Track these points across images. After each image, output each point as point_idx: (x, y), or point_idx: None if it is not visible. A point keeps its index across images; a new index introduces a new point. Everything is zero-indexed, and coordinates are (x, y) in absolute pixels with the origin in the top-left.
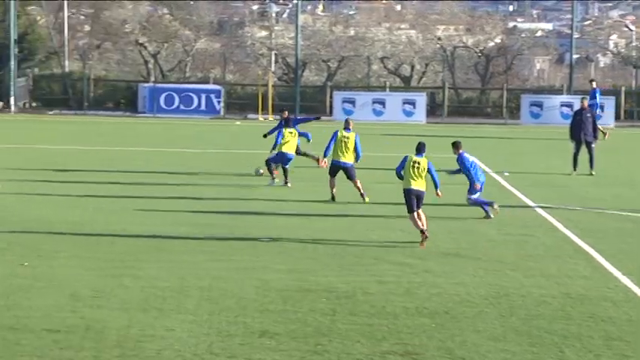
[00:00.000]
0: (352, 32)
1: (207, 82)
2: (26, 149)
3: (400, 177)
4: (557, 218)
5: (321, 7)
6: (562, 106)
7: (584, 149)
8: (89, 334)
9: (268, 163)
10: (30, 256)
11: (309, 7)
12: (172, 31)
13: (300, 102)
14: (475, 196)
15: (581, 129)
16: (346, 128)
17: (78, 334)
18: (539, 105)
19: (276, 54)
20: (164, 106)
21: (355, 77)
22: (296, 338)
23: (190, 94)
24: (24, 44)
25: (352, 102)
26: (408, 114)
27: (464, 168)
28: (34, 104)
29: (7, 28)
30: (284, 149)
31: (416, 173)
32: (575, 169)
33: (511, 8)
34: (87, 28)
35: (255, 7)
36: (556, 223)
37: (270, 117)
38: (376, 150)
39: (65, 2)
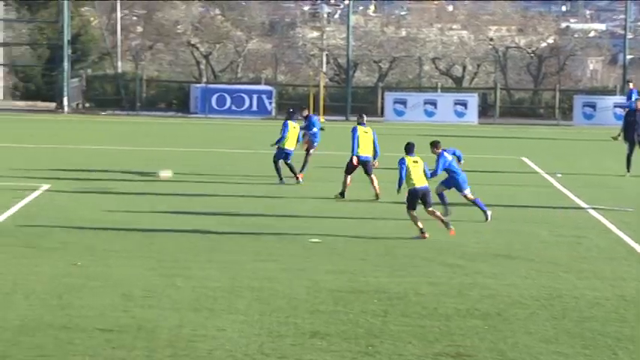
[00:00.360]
0: (404, 33)
1: (258, 83)
2: (79, 149)
3: (401, 183)
4: (610, 220)
5: (372, 7)
6: (615, 107)
7: (638, 150)
8: (141, 333)
9: (275, 161)
10: (83, 255)
11: (360, 8)
12: (224, 32)
13: (352, 103)
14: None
15: (635, 130)
16: (362, 123)
17: (130, 334)
18: (592, 106)
19: (327, 55)
20: (216, 107)
21: (406, 78)
22: (347, 339)
23: (242, 94)
24: (77, 45)
25: (403, 103)
26: (460, 115)
27: (444, 165)
28: (87, 105)
29: (60, 29)
30: (285, 145)
31: (418, 173)
32: (628, 171)
33: (564, 9)
34: (139, 29)
35: (306, 8)
36: (609, 224)
37: (322, 118)
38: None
39: (118, 3)
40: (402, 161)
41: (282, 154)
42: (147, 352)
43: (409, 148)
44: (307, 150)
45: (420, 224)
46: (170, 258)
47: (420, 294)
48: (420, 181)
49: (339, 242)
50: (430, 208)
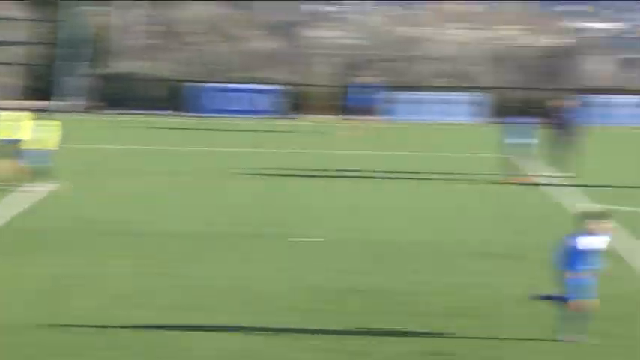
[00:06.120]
0: (413, 32)
1: (265, 83)
2: (86, 150)
3: None
4: None
5: (378, 7)
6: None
7: None
8: (131, 333)
9: None
10: (80, 255)
11: (371, 8)
12: (234, 32)
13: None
14: None
15: None
16: None
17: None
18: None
19: (334, 54)
20: (225, 107)
21: (415, 77)
22: (339, 337)
23: (248, 93)
24: (88, 44)
25: (413, 102)
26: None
27: None
28: (97, 104)
29: (74, 28)
30: None
31: None
32: None
33: (582, 8)
34: (149, 27)
35: (314, 7)
36: None
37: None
38: None
39: (130, 2)
40: None
41: None
42: (138, 352)
43: None
44: None
45: None
46: (163, 258)
47: (404, 293)
48: None
49: (330, 241)
50: None
